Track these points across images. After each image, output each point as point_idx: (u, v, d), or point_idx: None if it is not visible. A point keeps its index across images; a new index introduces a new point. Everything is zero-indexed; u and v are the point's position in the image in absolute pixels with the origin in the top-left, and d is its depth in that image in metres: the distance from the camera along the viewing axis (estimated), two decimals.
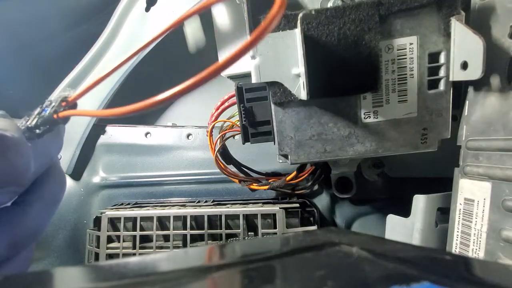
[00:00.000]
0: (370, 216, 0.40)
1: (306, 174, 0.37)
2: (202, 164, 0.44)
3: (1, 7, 0.45)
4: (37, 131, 0.19)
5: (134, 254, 0.36)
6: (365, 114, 0.26)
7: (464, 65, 0.23)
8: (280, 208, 0.35)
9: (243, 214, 0.35)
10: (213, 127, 0.36)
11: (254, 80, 0.26)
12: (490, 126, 0.24)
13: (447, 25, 0.24)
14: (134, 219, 0.37)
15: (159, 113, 0.54)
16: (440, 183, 0.29)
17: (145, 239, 0.38)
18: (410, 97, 0.25)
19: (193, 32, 0.52)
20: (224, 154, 0.37)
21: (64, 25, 0.50)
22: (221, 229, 0.35)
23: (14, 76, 0.50)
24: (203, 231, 0.35)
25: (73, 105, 0.20)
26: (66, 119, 0.20)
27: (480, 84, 0.25)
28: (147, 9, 0.43)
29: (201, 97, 0.53)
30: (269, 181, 0.37)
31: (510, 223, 0.22)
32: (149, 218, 0.37)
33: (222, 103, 0.35)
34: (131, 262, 0.13)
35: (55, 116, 0.19)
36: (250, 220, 0.36)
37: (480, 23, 0.24)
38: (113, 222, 0.38)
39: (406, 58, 0.25)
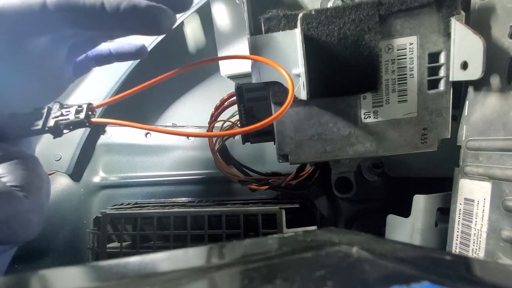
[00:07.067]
0: (370, 216, 0.40)
1: (306, 174, 0.37)
2: (202, 164, 0.44)
3: None
4: (65, 131, 0.22)
5: (134, 254, 0.36)
6: (365, 114, 0.26)
7: (464, 65, 0.23)
8: (280, 208, 0.35)
9: (243, 214, 0.35)
10: (213, 127, 0.36)
11: (254, 80, 0.26)
12: (490, 126, 0.24)
13: (447, 25, 0.24)
14: (134, 219, 0.37)
15: (159, 113, 0.54)
16: (440, 183, 0.29)
17: (145, 239, 0.37)
18: (410, 97, 0.25)
19: (193, 32, 0.52)
20: (224, 154, 0.37)
21: None
22: (221, 229, 0.35)
23: None
24: (203, 231, 0.35)
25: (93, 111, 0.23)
26: (91, 124, 0.22)
27: (480, 84, 0.25)
28: None
29: (201, 97, 0.53)
30: (269, 181, 0.37)
31: (510, 223, 0.22)
32: (149, 218, 0.37)
33: (222, 103, 0.35)
34: (131, 262, 0.13)
35: (85, 120, 0.22)
36: (250, 220, 0.36)
37: (480, 23, 0.24)
38: (113, 222, 0.38)
39: (406, 58, 0.25)
